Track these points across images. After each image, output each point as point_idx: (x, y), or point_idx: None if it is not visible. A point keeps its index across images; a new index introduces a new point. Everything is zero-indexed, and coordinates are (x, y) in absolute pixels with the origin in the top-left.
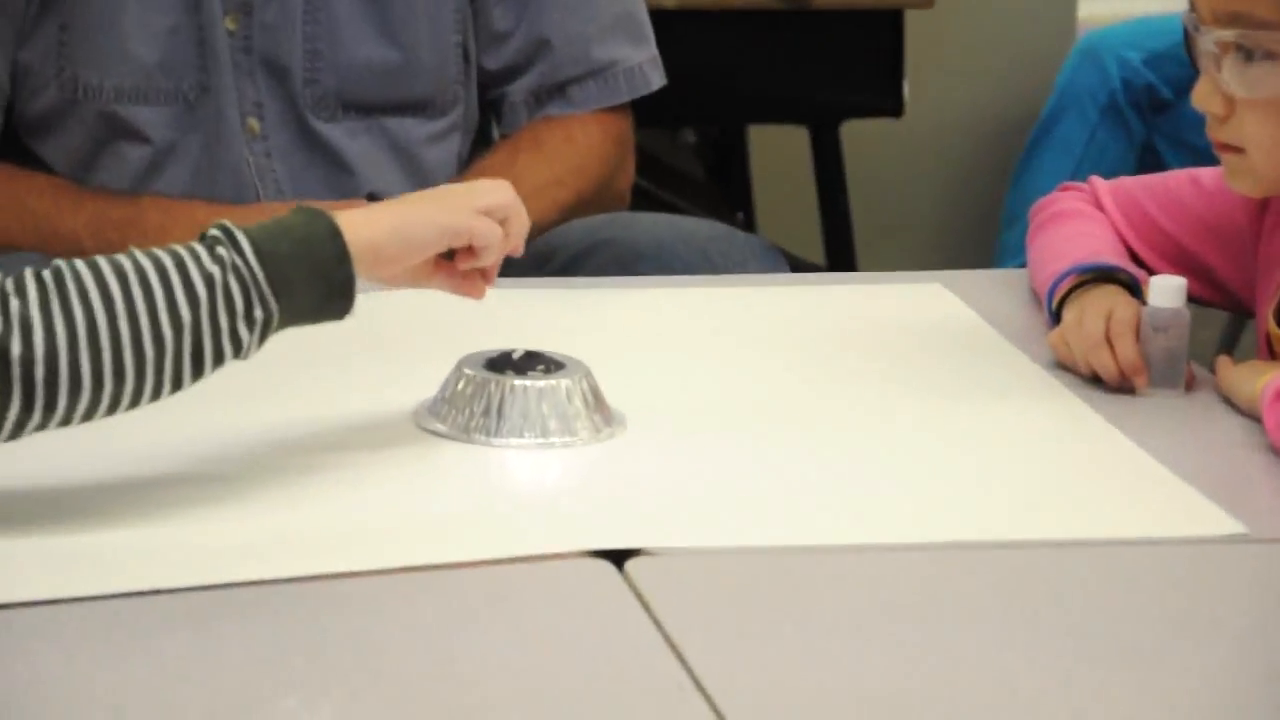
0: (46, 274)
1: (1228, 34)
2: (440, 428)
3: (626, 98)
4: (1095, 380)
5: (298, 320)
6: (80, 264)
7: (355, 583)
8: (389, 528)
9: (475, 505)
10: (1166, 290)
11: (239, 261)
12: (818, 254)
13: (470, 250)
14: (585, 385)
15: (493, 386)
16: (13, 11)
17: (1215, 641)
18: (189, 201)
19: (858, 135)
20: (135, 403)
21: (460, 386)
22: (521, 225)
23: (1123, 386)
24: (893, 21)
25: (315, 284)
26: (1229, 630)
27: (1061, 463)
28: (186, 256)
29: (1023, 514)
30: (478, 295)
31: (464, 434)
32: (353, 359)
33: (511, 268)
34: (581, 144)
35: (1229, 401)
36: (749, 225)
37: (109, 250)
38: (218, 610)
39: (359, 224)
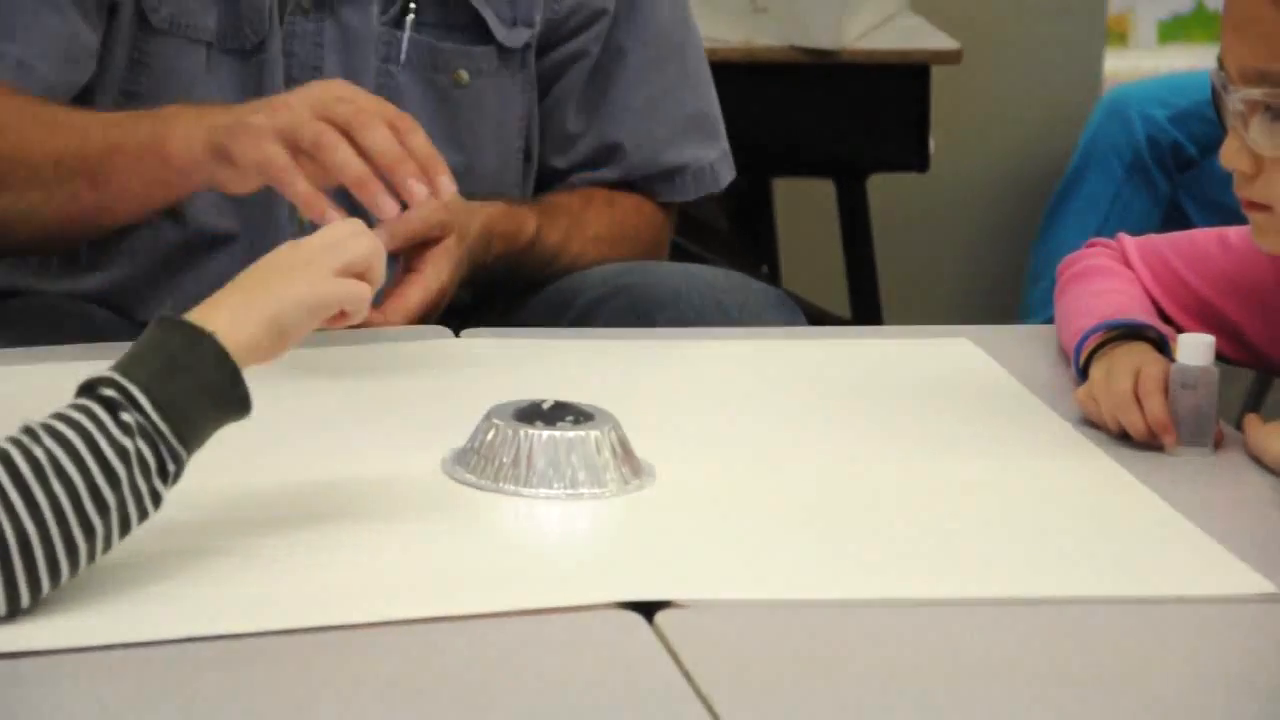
0: None
1: (1256, 93)
2: (469, 478)
3: (693, 196)
4: (1123, 437)
5: (201, 447)
6: None
7: (384, 632)
8: (418, 577)
9: (504, 556)
10: (1195, 348)
11: (143, 422)
12: (843, 307)
13: (341, 314)
14: (614, 436)
15: (522, 437)
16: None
17: (1244, 700)
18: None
19: (883, 189)
20: (72, 577)
21: (489, 437)
22: (381, 273)
23: (1151, 443)
24: (919, 76)
25: (213, 414)
26: (1258, 688)
27: (1090, 520)
28: (94, 429)
29: (1051, 571)
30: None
31: (493, 484)
32: (381, 409)
33: (533, 314)
34: (648, 218)
35: (1258, 460)
36: (773, 278)
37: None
38: (249, 658)
39: (233, 327)
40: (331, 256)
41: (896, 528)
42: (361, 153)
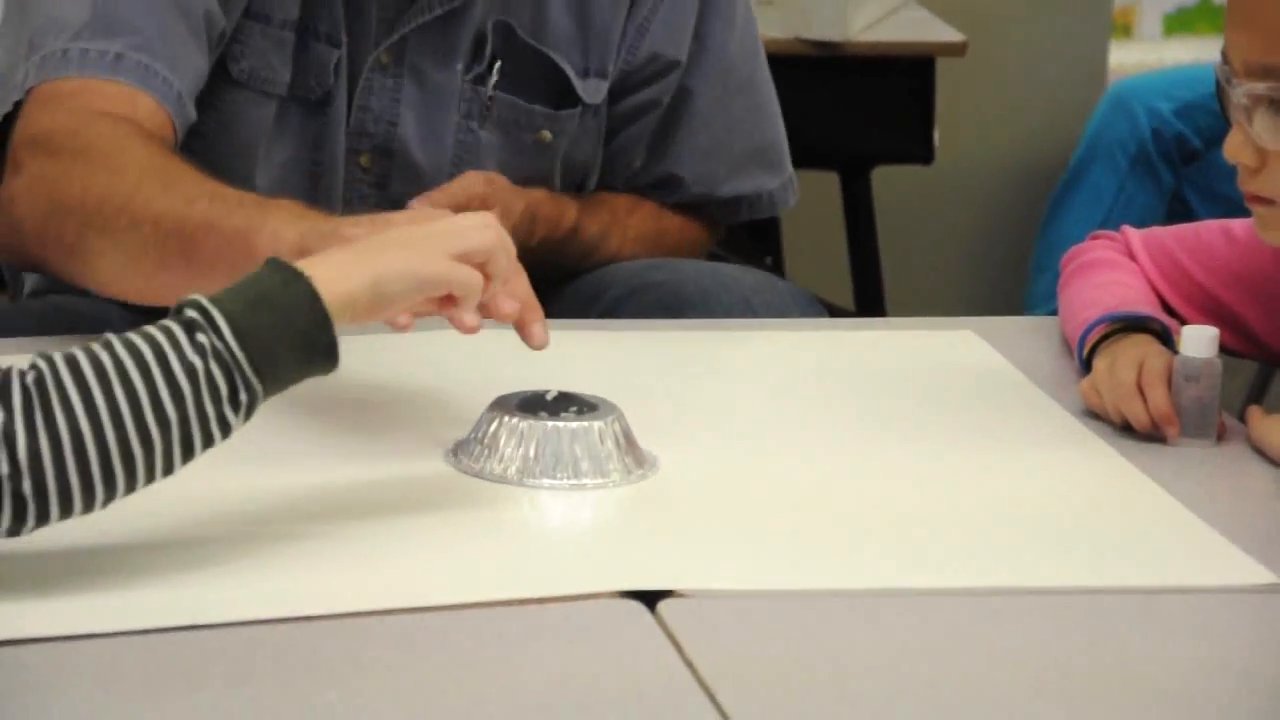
0: (29, 379)
1: (1259, 87)
2: (473, 468)
3: (745, 219)
4: (1126, 429)
5: (282, 388)
6: (61, 365)
7: (388, 620)
8: (421, 567)
9: (507, 545)
10: (1199, 340)
11: (219, 345)
12: (847, 299)
13: (450, 297)
14: (617, 427)
15: (525, 428)
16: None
17: (1245, 690)
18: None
19: (888, 181)
20: (130, 492)
21: (493, 427)
22: (504, 267)
23: (1154, 435)
24: (924, 69)
25: (297, 354)
26: (1260, 679)
27: (1093, 510)
28: (166, 345)
29: (1054, 561)
30: (468, 329)
31: (496, 474)
32: (387, 398)
33: (559, 308)
34: (691, 236)
35: (1260, 452)
36: (777, 270)
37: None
38: (253, 646)
39: (335, 277)
40: (452, 240)
41: (898, 518)
42: None
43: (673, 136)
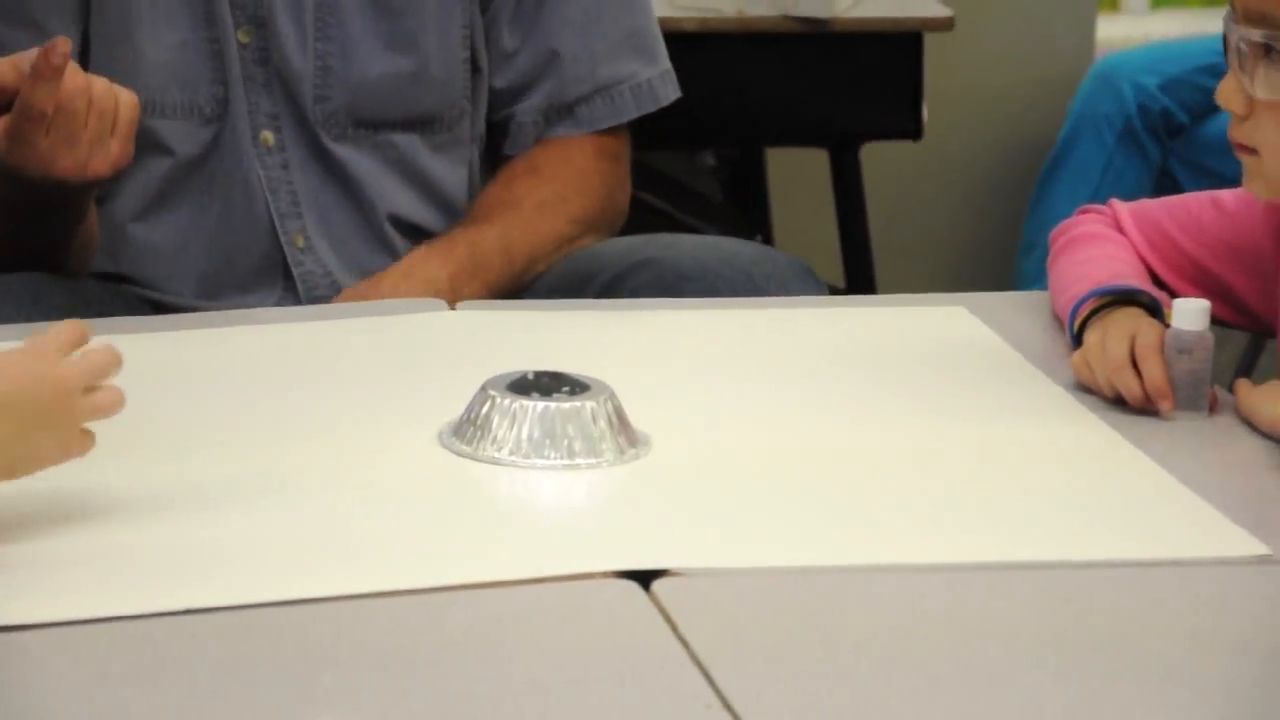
0: None
1: (1255, 33)
2: (465, 449)
3: (634, 114)
4: (1118, 402)
5: None
6: None
7: (382, 602)
8: (415, 548)
9: (501, 526)
10: (1190, 313)
11: None
12: (837, 276)
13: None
14: (610, 406)
15: (517, 408)
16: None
17: (1239, 662)
18: None
19: (877, 158)
20: None
21: (485, 408)
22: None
23: (1145, 408)
24: (912, 44)
25: None
26: (1253, 651)
27: (1085, 484)
28: None
29: (1047, 535)
30: None
31: (489, 456)
32: (377, 381)
33: (552, 290)
34: (579, 165)
35: (1250, 424)
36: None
37: None
38: (248, 629)
39: None
40: (81, 411)
41: (892, 494)
42: None
43: (544, 8)
